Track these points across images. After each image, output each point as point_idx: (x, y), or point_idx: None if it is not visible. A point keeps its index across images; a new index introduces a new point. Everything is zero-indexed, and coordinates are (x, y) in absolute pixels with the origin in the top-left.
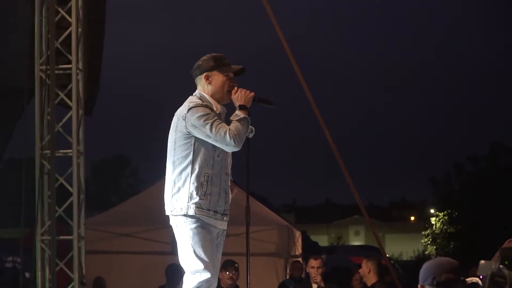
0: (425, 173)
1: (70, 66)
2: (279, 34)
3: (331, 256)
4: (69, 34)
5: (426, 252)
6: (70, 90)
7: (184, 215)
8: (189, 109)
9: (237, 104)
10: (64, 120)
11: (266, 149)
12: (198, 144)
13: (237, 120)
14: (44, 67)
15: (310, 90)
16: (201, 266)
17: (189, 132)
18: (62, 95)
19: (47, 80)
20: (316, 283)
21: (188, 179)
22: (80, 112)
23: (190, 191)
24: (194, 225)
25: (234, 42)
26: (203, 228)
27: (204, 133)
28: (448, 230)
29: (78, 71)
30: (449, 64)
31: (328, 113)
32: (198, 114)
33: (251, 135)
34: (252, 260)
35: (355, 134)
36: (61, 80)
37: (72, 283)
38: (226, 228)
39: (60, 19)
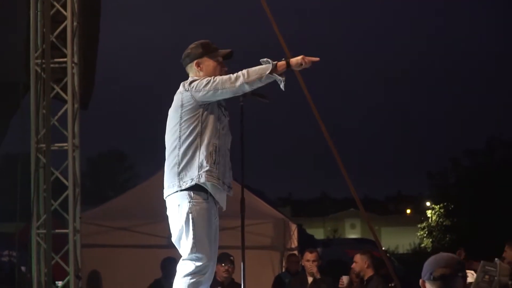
0: (421, 167)
1: (65, 59)
2: (276, 32)
3: (327, 249)
4: (65, 28)
5: (422, 245)
6: (66, 83)
7: (189, 190)
8: (192, 81)
9: (291, 61)
10: (59, 114)
11: (263, 142)
12: (206, 115)
13: (264, 63)
14: (39, 61)
15: (306, 85)
16: (199, 250)
17: (195, 102)
18: (57, 89)
19: (42, 74)
20: (311, 275)
21: (198, 150)
22: (76, 105)
23: (200, 160)
24: (198, 206)
25: (232, 39)
26: (205, 211)
27: (209, 91)
28: (444, 223)
29: (73, 64)
30: (446, 59)
31: (325, 108)
32: (201, 80)
33: (281, 86)
34: (248, 254)
35: (352, 128)
36: (57, 74)
37: (68, 277)
38: (224, 208)
39: (56, 13)
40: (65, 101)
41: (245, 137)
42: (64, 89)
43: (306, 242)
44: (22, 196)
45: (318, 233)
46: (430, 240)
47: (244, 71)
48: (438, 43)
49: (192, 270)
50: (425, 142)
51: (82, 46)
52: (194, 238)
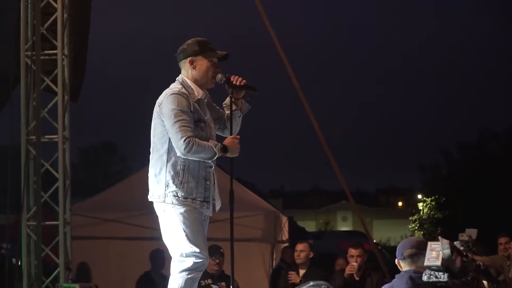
0: (413, 159)
1: (55, 52)
2: (268, 28)
3: (318, 241)
4: (55, 20)
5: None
6: (56, 75)
7: (167, 204)
8: (168, 96)
9: (231, 147)
10: (49, 106)
11: (254, 135)
12: None
13: (213, 145)
14: (29, 53)
15: (297, 78)
16: (196, 249)
17: (163, 119)
18: (47, 81)
19: (32, 65)
20: (301, 265)
21: (164, 167)
22: (66, 97)
23: (167, 179)
24: (183, 209)
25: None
26: (191, 211)
27: (167, 124)
28: (436, 216)
29: (63, 56)
30: (438, 52)
31: (316, 100)
32: (173, 106)
33: (210, 169)
34: (239, 246)
35: (343, 121)
36: (47, 66)
37: (58, 268)
38: (211, 214)
39: (46, 4)
40: (55, 93)
41: (235, 128)
42: (54, 81)
43: (297, 235)
44: (12, 188)
45: (310, 226)
46: (422, 232)
47: (196, 144)
48: (434, 36)
49: (190, 266)
50: (417, 134)
51: (72, 38)
52: (188, 238)
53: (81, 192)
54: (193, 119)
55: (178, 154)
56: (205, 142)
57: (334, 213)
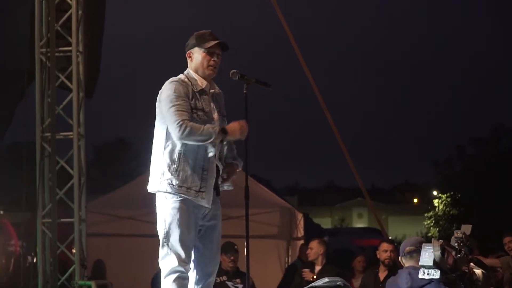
0: (428, 156)
1: (70, 48)
2: (281, 20)
3: (333, 238)
4: (70, 17)
5: (429, 234)
6: (71, 72)
7: (161, 192)
8: (166, 84)
9: (232, 135)
10: (64, 103)
11: (270, 131)
12: None
13: (211, 127)
14: (44, 49)
15: (312, 73)
16: (173, 250)
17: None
18: (62, 78)
19: (47, 62)
20: (316, 262)
21: (161, 155)
22: (81, 94)
23: (163, 167)
24: (173, 205)
25: (236, 24)
26: (182, 208)
27: (163, 109)
28: (451, 212)
29: (78, 53)
30: (451, 48)
31: (331, 96)
32: (169, 92)
33: (210, 154)
34: (254, 242)
35: (358, 117)
36: (62, 63)
37: (73, 266)
38: (209, 206)
39: (60, 1)
40: (70, 90)
41: (251, 126)
42: (69, 78)
43: (313, 231)
44: (28, 185)
45: (326, 223)
46: (437, 229)
47: (190, 127)
48: (444, 31)
49: (170, 270)
50: (431, 130)
51: (87, 34)
52: (168, 237)
53: (96, 189)
54: (190, 106)
55: (174, 139)
56: (201, 125)
57: (349, 210)
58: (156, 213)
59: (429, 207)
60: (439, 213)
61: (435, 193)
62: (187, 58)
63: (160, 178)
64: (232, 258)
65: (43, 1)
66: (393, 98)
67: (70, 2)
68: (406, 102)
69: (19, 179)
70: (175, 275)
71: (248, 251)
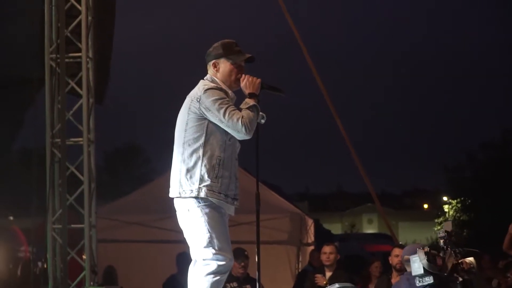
0: (438, 161)
1: (80, 54)
2: (291, 26)
3: (344, 244)
4: (79, 23)
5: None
6: (80, 78)
7: (195, 198)
8: (204, 91)
9: (246, 92)
10: (74, 109)
11: (280, 137)
12: (211, 126)
13: (247, 108)
14: (54, 55)
15: (322, 79)
16: (220, 251)
17: (202, 114)
18: (72, 84)
19: (57, 68)
20: (328, 267)
21: (200, 161)
22: (91, 100)
23: (202, 173)
24: (208, 209)
25: (248, 31)
26: (217, 212)
27: (217, 117)
28: (461, 218)
29: (88, 59)
30: (462, 53)
31: (341, 102)
32: (213, 98)
33: (262, 121)
34: (264, 248)
35: (367, 123)
36: (71, 69)
37: (84, 272)
38: (233, 214)
39: (70, 7)
40: (80, 96)
41: (261, 132)
42: (79, 83)
43: (323, 237)
44: (38, 191)
45: (336, 228)
46: (439, 231)
47: (247, 119)
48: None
49: (215, 269)
50: (442, 135)
51: (97, 40)
52: (213, 240)
53: (106, 195)
54: None
55: (240, 138)
56: (247, 111)
57: (359, 216)
58: (176, 218)
59: (439, 213)
60: (449, 219)
61: (445, 198)
62: (212, 67)
63: (198, 185)
64: (242, 264)
65: (53, 7)
66: (403, 103)
67: (80, 7)
68: (416, 106)
69: (29, 185)
70: (218, 277)
71: (259, 257)
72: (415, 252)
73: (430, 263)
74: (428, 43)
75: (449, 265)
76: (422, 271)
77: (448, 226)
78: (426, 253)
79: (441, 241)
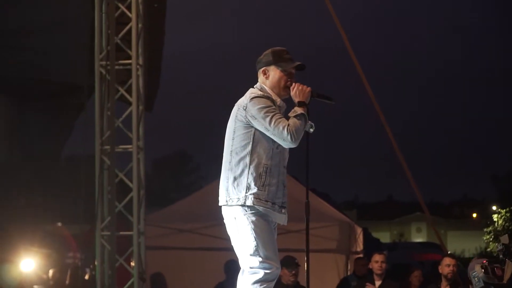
0: (487, 170)
1: (130, 61)
2: (340, 31)
3: (392, 253)
4: (129, 30)
5: (489, 249)
6: (130, 85)
7: (242, 206)
8: (250, 99)
9: (296, 100)
10: (124, 116)
11: (328, 145)
12: (258, 134)
13: (295, 116)
14: (104, 62)
15: (372, 87)
16: (266, 260)
17: (248, 122)
18: (122, 91)
19: (107, 75)
20: (378, 276)
21: (247, 169)
22: (140, 107)
23: (249, 181)
24: (255, 217)
25: (295, 38)
26: (264, 220)
27: (263, 126)
28: (510, 227)
29: (138, 66)
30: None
31: (391, 111)
32: (259, 106)
33: (311, 130)
34: (313, 257)
35: (417, 132)
36: (121, 76)
37: (132, 279)
38: (285, 223)
39: (120, 14)
40: (130, 103)
41: (310, 140)
42: (129, 91)
43: (372, 246)
44: (87, 198)
45: (384, 237)
46: (496, 244)
47: (293, 127)
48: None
49: (262, 277)
50: (492, 144)
51: (147, 48)
52: (260, 248)
53: (155, 202)
54: None
55: (286, 147)
56: (294, 119)
57: (408, 224)
58: (224, 226)
59: (488, 222)
60: (498, 228)
61: (494, 208)
62: (261, 74)
63: (245, 193)
64: (293, 272)
65: (103, 14)
66: (452, 113)
67: (130, 15)
68: (466, 116)
69: (77, 192)
70: (265, 285)
71: (308, 266)
72: (473, 268)
73: (487, 274)
74: (483, 50)
75: (508, 274)
76: (482, 284)
77: (505, 239)
78: (482, 266)
79: (500, 254)
